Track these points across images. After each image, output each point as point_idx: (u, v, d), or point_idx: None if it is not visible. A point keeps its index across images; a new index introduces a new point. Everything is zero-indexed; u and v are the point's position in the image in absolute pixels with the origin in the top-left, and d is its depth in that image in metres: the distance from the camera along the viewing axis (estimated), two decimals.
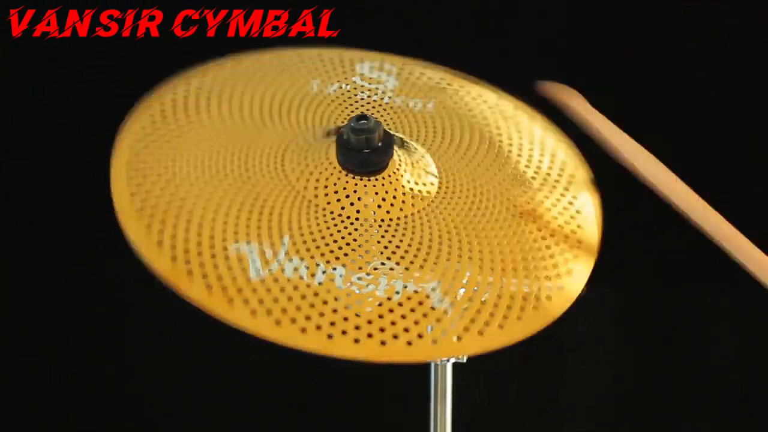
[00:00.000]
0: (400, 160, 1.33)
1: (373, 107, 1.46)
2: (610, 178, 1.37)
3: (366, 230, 1.28)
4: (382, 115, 1.45)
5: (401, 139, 1.37)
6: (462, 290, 1.23)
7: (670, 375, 2.22)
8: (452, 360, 1.48)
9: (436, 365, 1.50)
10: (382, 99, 1.47)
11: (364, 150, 1.31)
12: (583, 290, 1.53)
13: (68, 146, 2.27)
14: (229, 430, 2.32)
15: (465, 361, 1.48)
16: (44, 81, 2.26)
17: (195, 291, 1.19)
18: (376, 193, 1.31)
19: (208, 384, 2.32)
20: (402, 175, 1.32)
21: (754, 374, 2.21)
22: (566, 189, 1.36)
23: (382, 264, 1.24)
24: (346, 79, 1.49)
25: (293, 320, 1.19)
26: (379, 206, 1.30)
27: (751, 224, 2.19)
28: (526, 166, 1.38)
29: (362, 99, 1.47)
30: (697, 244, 1.39)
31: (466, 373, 1.60)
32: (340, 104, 1.46)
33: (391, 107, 1.46)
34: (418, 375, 1.57)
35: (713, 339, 2.20)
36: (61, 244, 2.30)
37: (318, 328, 1.18)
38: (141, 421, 2.34)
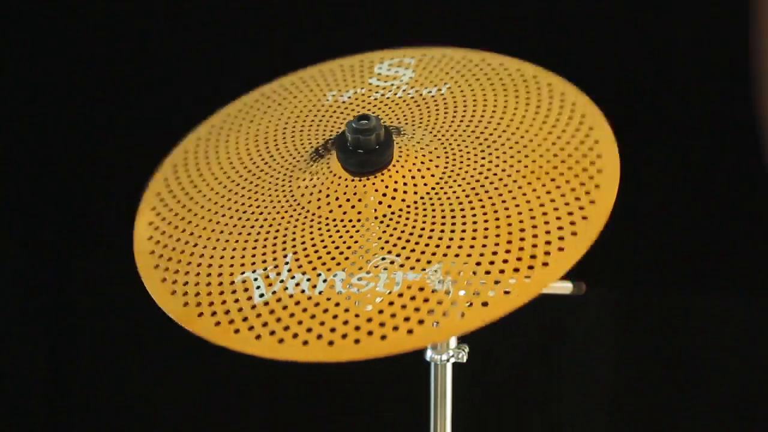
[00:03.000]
0: (400, 153, 1.33)
1: (386, 104, 1.46)
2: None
3: (367, 230, 1.28)
4: (393, 110, 1.44)
5: (398, 129, 1.37)
6: (464, 264, 1.22)
7: (671, 375, 2.22)
8: (452, 360, 1.48)
9: (436, 365, 1.49)
10: (395, 95, 1.46)
11: (374, 148, 1.31)
12: (582, 290, 1.53)
13: (68, 146, 2.27)
14: (229, 430, 2.32)
15: (465, 360, 1.48)
16: (44, 81, 2.26)
17: (204, 330, 1.23)
18: (376, 191, 1.31)
19: (208, 384, 2.32)
20: (402, 167, 1.32)
21: (754, 374, 2.21)
22: (590, 149, 1.33)
23: (382, 259, 1.24)
24: (362, 83, 1.49)
25: (295, 335, 1.19)
26: (380, 203, 1.30)
27: (752, 224, 2.19)
28: (549, 132, 1.36)
29: (375, 99, 1.47)
30: (698, 245, 1.39)
31: (466, 373, 1.60)
32: (353, 110, 1.46)
33: (403, 100, 1.45)
34: (418, 375, 1.57)
35: (714, 339, 2.20)
36: (61, 244, 2.30)
37: (319, 337, 1.19)
38: (141, 421, 2.34)
